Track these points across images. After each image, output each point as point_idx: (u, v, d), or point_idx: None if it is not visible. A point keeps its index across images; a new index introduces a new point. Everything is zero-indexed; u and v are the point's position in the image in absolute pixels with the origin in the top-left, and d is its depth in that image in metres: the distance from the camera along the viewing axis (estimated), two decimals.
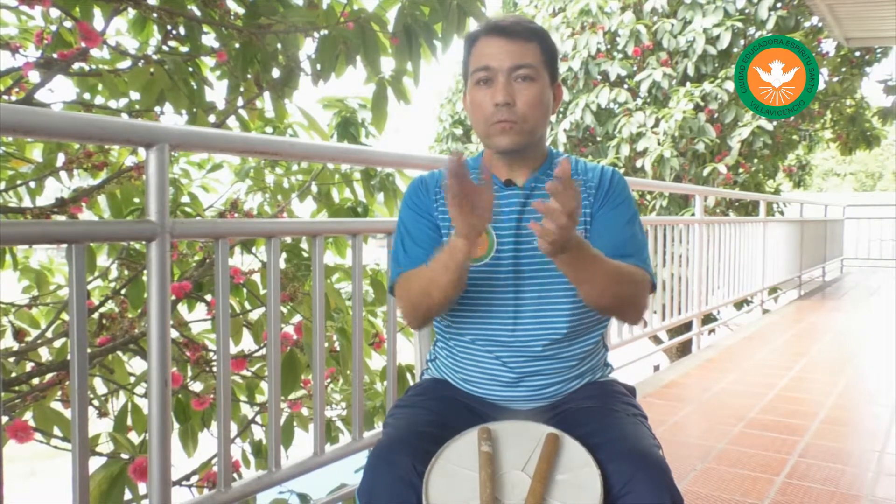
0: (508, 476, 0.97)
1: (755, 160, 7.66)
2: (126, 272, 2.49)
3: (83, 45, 2.05)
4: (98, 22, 2.32)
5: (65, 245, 1.16)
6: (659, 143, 7.27)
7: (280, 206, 2.93)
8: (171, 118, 2.44)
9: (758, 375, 3.60)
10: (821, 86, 7.93)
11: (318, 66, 2.51)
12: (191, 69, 2.50)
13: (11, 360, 2.09)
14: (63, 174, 2.41)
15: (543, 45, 1.17)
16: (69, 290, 1.17)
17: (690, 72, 7.57)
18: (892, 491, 2.08)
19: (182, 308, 2.51)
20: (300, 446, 2.10)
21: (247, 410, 2.53)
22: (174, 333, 2.21)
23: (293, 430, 2.33)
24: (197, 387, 2.22)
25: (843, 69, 8.32)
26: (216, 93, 2.66)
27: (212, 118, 2.54)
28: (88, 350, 1.36)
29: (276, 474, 1.53)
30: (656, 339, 6.53)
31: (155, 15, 2.44)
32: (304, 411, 2.31)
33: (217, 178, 3.18)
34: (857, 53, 8.17)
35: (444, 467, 0.98)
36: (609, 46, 8.01)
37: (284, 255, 2.69)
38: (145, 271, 1.28)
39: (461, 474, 0.97)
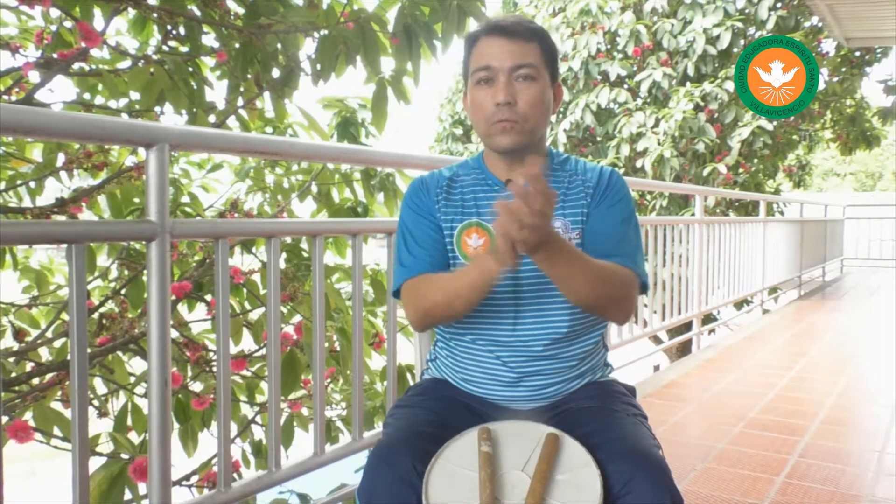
0: (508, 476, 0.97)
1: (755, 160, 7.66)
2: (126, 272, 2.49)
3: (83, 45, 2.05)
4: (98, 22, 2.33)
5: (65, 245, 1.16)
6: (659, 143, 7.27)
7: (280, 206, 2.93)
8: (171, 118, 2.44)
9: (758, 375, 3.60)
10: (821, 86, 7.94)
11: (318, 66, 2.51)
12: (191, 69, 2.50)
13: (11, 360, 2.09)
14: (63, 174, 2.41)
15: (544, 45, 1.17)
16: (69, 290, 1.17)
17: (690, 72, 7.57)
18: (892, 491, 2.08)
19: (182, 308, 2.51)
20: (300, 446, 2.10)
21: (247, 410, 2.53)
22: (174, 333, 2.21)
23: (293, 430, 2.33)
24: (197, 387, 2.22)
25: (843, 69, 8.32)
26: (216, 93, 2.67)
27: (212, 118, 2.54)
28: (88, 350, 1.36)
29: (276, 474, 1.53)
30: (656, 339, 6.53)
31: (155, 15, 2.44)
32: (304, 411, 2.31)
33: (217, 178, 3.19)
34: (857, 53, 8.17)
35: (444, 467, 0.98)
36: (609, 46, 8.01)
37: (284, 255, 2.69)
38: (145, 271, 1.28)
39: (461, 474, 0.97)
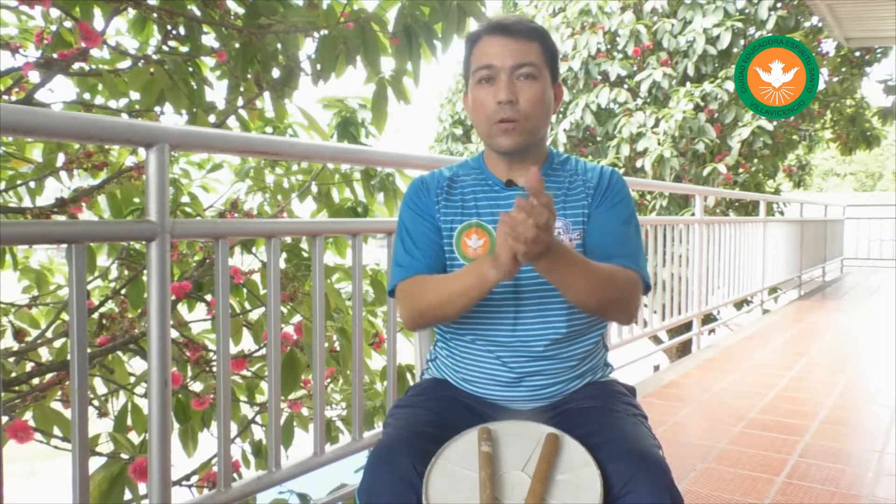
0: (508, 476, 0.97)
1: (755, 160, 7.66)
2: (126, 272, 2.49)
3: (83, 45, 2.05)
4: (98, 22, 2.33)
5: (65, 245, 1.16)
6: (659, 143, 7.27)
7: (280, 206, 2.93)
8: (171, 118, 2.44)
9: (758, 375, 3.60)
10: (821, 86, 7.94)
11: (318, 66, 2.51)
12: (191, 69, 2.50)
13: (11, 360, 2.09)
14: (63, 174, 2.41)
15: (545, 45, 1.17)
16: (69, 290, 1.17)
17: (690, 72, 7.57)
18: (892, 491, 2.08)
19: (182, 308, 2.51)
20: (300, 446, 2.10)
21: (247, 410, 2.53)
22: (174, 333, 2.21)
23: (293, 430, 2.33)
24: (197, 387, 2.22)
25: (843, 69, 8.32)
26: (216, 93, 2.67)
27: (212, 118, 2.54)
28: (88, 350, 1.36)
29: (276, 474, 1.53)
30: (656, 339, 6.53)
31: (155, 15, 2.44)
32: (304, 411, 2.31)
33: (217, 178, 3.18)
34: (857, 53, 8.17)
35: (444, 467, 0.98)
36: (609, 46, 8.01)
37: (284, 255, 2.69)
38: (145, 271, 1.28)
39: (461, 474, 0.97)
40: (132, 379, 2.24)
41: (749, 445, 2.48)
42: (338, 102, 2.92)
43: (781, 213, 8.16)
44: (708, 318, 5.88)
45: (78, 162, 2.33)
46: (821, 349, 4.39)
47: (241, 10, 2.63)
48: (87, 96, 2.54)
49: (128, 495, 1.69)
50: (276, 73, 2.63)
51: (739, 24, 7.22)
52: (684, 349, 7.01)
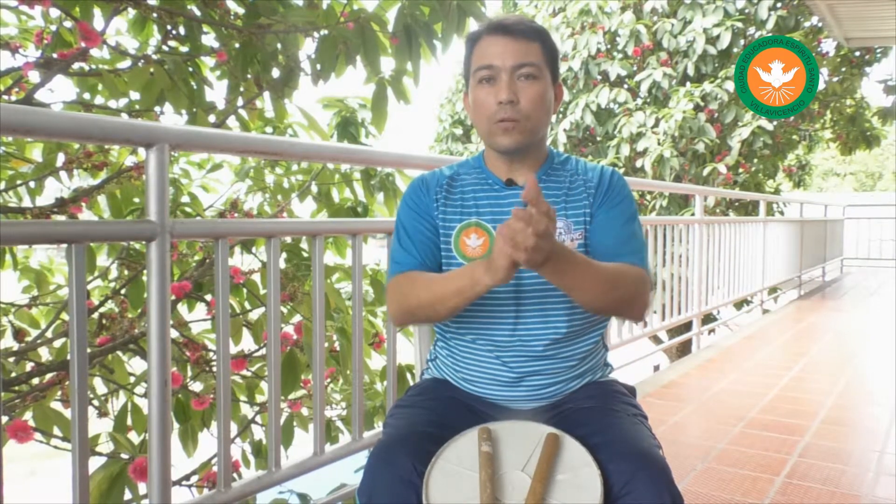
0: (508, 476, 0.97)
1: (755, 160, 7.67)
2: (126, 272, 2.49)
3: (83, 45, 2.05)
4: (98, 22, 2.33)
5: (65, 245, 1.16)
6: (659, 143, 7.27)
7: (280, 206, 2.93)
8: (171, 118, 2.44)
9: (758, 375, 3.60)
10: (821, 86, 7.94)
11: (318, 66, 2.51)
12: (191, 69, 2.50)
13: (11, 360, 2.09)
14: (63, 174, 2.41)
15: (545, 45, 1.17)
16: (69, 290, 1.17)
17: (690, 72, 7.58)
18: (892, 491, 2.08)
19: (182, 308, 2.51)
20: (300, 446, 2.10)
21: (247, 410, 2.53)
22: (174, 333, 2.21)
23: (293, 430, 2.33)
24: (197, 387, 2.22)
25: (843, 69, 8.32)
26: (216, 93, 2.67)
27: (212, 118, 2.54)
28: (88, 350, 1.36)
29: (276, 474, 1.53)
30: (656, 339, 6.53)
31: (155, 15, 2.45)
32: (304, 411, 2.31)
33: (217, 178, 3.19)
34: (857, 53, 8.17)
35: (444, 467, 0.98)
36: (609, 46, 8.02)
37: (284, 255, 2.69)
38: (145, 271, 1.28)
39: (461, 474, 0.97)
40: (132, 379, 2.24)
41: (749, 445, 2.48)
42: (338, 102, 2.92)
43: (781, 213, 8.16)
44: (708, 318, 5.88)
45: (78, 162, 2.33)
46: (821, 349, 4.39)
47: (240, 10, 2.63)
48: (87, 96, 2.54)
49: (128, 495, 1.69)
50: (276, 73, 2.63)
51: (739, 24, 7.22)
52: (684, 349, 7.01)
